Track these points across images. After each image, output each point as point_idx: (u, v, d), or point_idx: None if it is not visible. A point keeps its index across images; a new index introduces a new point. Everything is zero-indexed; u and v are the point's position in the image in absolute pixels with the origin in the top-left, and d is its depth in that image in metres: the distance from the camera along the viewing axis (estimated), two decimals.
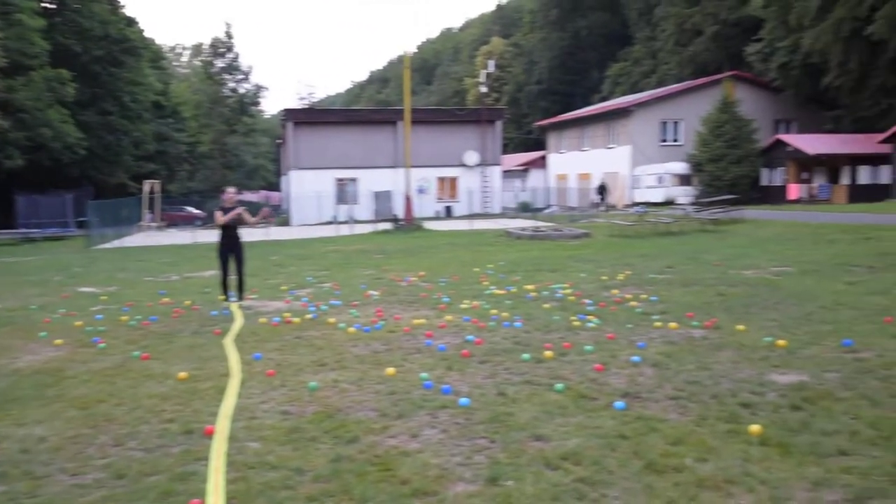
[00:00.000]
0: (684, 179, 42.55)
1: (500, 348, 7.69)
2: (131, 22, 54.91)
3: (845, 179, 39.35)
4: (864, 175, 38.74)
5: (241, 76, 68.13)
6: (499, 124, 47.29)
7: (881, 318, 8.50)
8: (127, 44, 50.60)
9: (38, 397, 6.48)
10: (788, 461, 4.48)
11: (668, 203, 39.34)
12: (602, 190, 44.19)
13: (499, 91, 77.96)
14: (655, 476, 4.32)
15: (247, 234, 12.37)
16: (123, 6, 54.51)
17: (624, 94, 61.66)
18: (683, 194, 40.59)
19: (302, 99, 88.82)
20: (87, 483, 4.57)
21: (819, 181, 40.18)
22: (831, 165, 39.69)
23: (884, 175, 37.40)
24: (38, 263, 22.16)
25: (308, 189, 42.95)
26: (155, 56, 63.74)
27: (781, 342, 7.42)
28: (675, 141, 45.82)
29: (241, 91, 68.71)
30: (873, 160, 38.08)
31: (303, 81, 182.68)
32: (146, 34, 61.18)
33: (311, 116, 47.38)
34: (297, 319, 9.89)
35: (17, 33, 40.80)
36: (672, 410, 5.52)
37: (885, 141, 35.76)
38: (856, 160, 38.77)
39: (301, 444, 5.05)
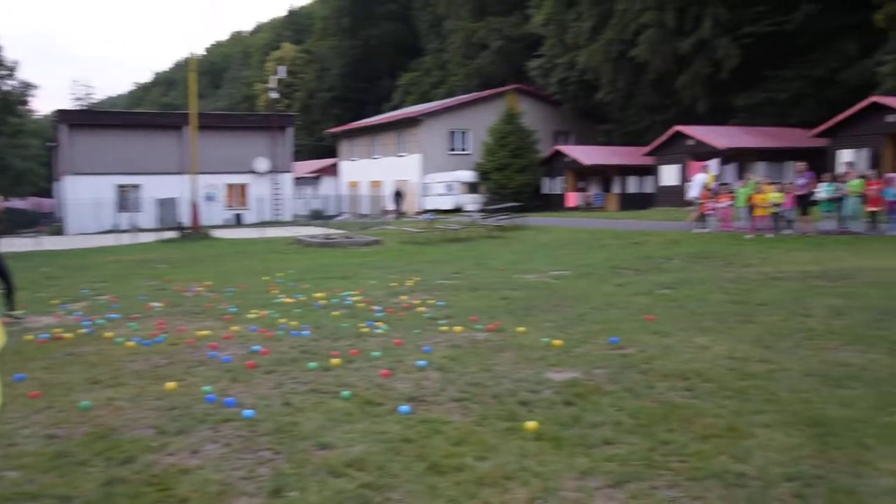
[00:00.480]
0: (472, 187, 44.08)
1: (287, 358, 7.58)
2: None
3: (617, 188, 42.50)
4: (633, 185, 42.06)
5: (4, 72, 62.59)
6: (290, 131, 46.74)
7: (643, 316, 9.24)
8: None
9: None
10: (560, 454, 4.74)
11: (457, 210, 40.58)
12: (398, 196, 44.83)
13: (290, 97, 77.05)
14: (438, 477, 4.43)
15: (13, 245, 11.36)
16: None
17: (414, 103, 62.96)
18: (471, 202, 42.04)
19: (78, 100, 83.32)
20: None
21: (594, 190, 43.09)
22: (605, 175, 42.71)
23: (648, 185, 40.75)
24: None
25: (85, 196, 40.24)
26: None
27: (557, 342, 7.85)
28: (464, 150, 47.39)
29: (6, 88, 63.12)
30: (640, 171, 41.42)
31: (79, 81, 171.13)
32: None
33: (89, 118, 44.55)
34: (69, 335, 9.21)
35: None
36: (455, 412, 5.68)
37: (648, 154, 38.98)
38: (625, 171, 42.00)
39: (68, 469, 4.70)
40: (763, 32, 36.17)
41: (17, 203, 60.39)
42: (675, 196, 36.25)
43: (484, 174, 43.79)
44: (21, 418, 5.82)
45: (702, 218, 22.76)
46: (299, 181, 50.97)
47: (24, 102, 68.02)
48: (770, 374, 6.43)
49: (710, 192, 23.06)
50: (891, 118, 27.57)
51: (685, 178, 35.21)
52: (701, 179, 23.90)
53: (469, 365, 7.07)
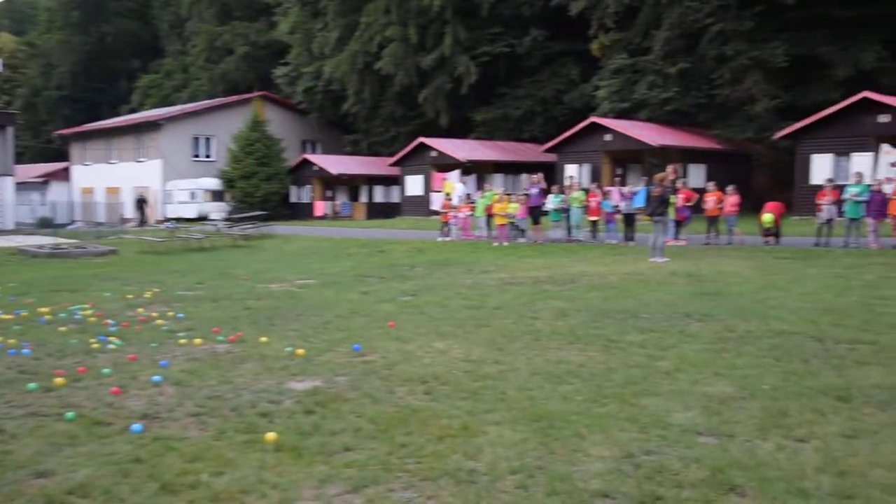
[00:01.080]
0: (217, 195, 42.71)
1: (2, 379, 6.90)
2: None
3: (364, 198, 43.17)
4: (379, 194, 42.96)
5: None
6: (10, 130, 42.44)
7: (386, 322, 9.47)
8: None
9: None
10: (300, 463, 4.73)
11: (202, 219, 39.12)
12: (141, 203, 42.25)
13: (10, 94, 70.32)
14: (171, 496, 4.26)
15: None
16: None
17: (154, 106, 59.86)
18: (216, 210, 40.73)
19: None
20: None
21: (342, 199, 43.44)
22: (352, 184, 43.22)
23: (395, 194, 41.80)
24: None
25: None
26: None
27: (300, 351, 7.83)
28: (208, 157, 45.83)
29: None
30: (386, 181, 42.40)
31: None
32: None
33: None
34: None
35: None
36: (192, 428, 5.49)
37: (394, 164, 39.98)
38: (372, 180, 42.80)
39: None
40: (498, 53, 38.55)
41: None
42: (419, 206, 37.48)
43: (230, 182, 42.58)
44: None
45: (445, 227, 23.72)
46: (23, 186, 46.44)
47: None
48: (501, 374, 6.84)
49: (451, 202, 24.11)
50: (608, 137, 30.44)
51: (429, 188, 36.56)
52: (461, 189, 25.01)
53: (208, 378, 6.85)
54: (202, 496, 4.25)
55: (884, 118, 24.07)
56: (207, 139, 45.97)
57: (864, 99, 24.28)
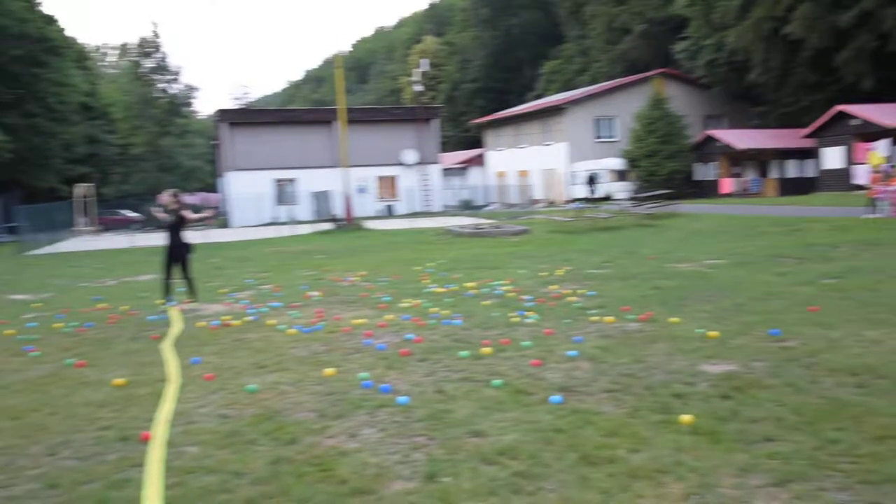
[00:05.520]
0: (621, 175, 43.15)
1: (439, 346, 7.74)
2: (50, 20, 52.47)
3: (774, 173, 40.52)
4: (792, 169, 39.98)
5: (170, 76, 66.68)
6: (435, 122, 47.41)
7: (806, 307, 8.80)
8: (47, 43, 48.33)
9: None
10: (717, 449, 4.61)
11: (606, 199, 39.80)
12: (592, 180, 43.21)
13: (434, 89, 78.14)
14: (590, 468, 4.42)
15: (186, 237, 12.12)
16: (40, 3, 51.50)
17: (558, 91, 62.27)
18: (621, 189, 41.15)
19: (237, 99, 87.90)
20: (18, 495, 4.47)
21: (750, 175, 41.25)
22: (761, 160, 40.82)
23: (810, 168, 38.60)
24: None
25: (246, 190, 42.43)
26: (79, 56, 61.36)
27: (713, 333, 7.62)
28: (611, 137, 46.51)
29: (172, 91, 67.29)
30: (799, 154, 39.30)
31: (237, 82, 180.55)
32: (67, 33, 58.53)
33: (246, 117, 46.85)
34: (236, 322, 9.79)
35: None
36: (607, 403, 5.63)
37: (808, 136, 36.87)
38: (783, 154, 39.97)
39: (239, 447, 5.02)
40: None
41: (187, 198, 64.30)
42: (840, 180, 34.21)
43: (633, 161, 42.77)
44: (198, 398, 6.25)
45: (872, 203, 21.34)
46: (447, 172, 51.48)
47: (188, 104, 72.36)
48: None
49: (882, 175, 21.59)
50: None
51: (851, 160, 33.17)
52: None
53: (621, 356, 6.98)
54: (620, 471, 4.35)
55: None
56: (609, 120, 46.68)
57: None
